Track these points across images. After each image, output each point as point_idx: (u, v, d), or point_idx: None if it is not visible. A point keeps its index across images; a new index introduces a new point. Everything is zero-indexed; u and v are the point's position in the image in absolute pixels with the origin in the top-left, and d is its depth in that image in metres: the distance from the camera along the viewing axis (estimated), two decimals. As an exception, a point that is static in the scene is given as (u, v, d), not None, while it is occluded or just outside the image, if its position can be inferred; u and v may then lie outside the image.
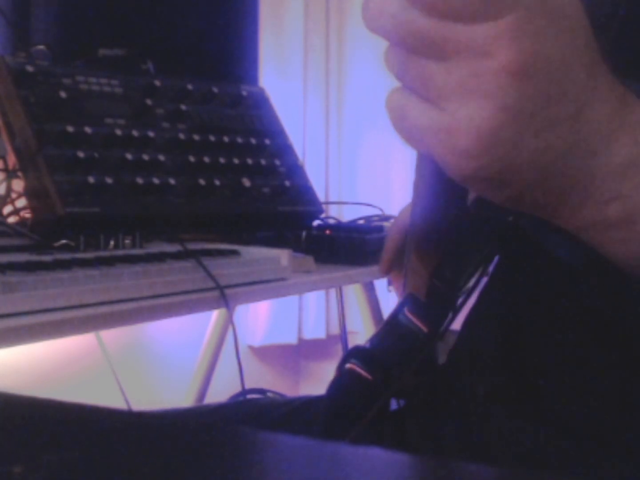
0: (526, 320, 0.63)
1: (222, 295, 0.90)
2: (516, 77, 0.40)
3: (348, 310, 1.79)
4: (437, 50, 0.41)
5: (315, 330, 2.20)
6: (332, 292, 2.04)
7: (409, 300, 0.69)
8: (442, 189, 0.61)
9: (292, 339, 2.18)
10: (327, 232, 1.20)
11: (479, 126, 0.40)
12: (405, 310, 0.68)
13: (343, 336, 1.71)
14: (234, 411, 0.86)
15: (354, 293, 1.65)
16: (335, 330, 2.10)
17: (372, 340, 0.70)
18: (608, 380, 0.57)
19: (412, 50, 0.42)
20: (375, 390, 0.67)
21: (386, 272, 0.88)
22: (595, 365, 0.58)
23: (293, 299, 2.15)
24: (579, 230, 0.45)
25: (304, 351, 2.32)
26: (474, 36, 0.40)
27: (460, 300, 0.68)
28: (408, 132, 0.43)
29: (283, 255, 1.02)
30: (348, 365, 0.68)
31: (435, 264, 0.68)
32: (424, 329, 0.67)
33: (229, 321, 1.44)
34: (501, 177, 0.42)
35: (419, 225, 0.69)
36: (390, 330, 0.69)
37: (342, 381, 0.69)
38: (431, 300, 0.68)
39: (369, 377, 0.67)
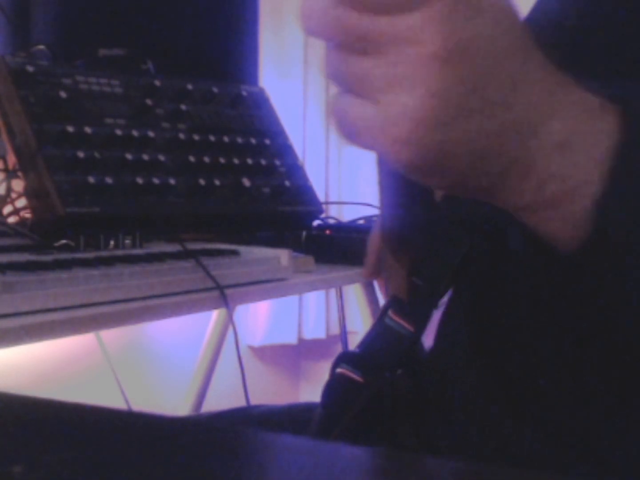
0: (501, 318, 0.63)
1: (222, 295, 0.90)
2: (443, 62, 0.41)
3: (348, 310, 1.79)
4: (367, 44, 0.42)
5: (315, 330, 2.20)
6: (332, 292, 2.04)
7: (392, 302, 0.69)
8: (402, 186, 0.61)
9: (292, 339, 2.18)
10: (327, 232, 1.20)
11: (413, 113, 0.41)
12: (390, 312, 0.68)
13: (343, 336, 1.71)
14: (232, 418, 0.86)
15: (354, 293, 1.65)
16: (335, 330, 2.10)
17: (360, 344, 0.70)
18: (607, 381, 0.57)
19: (344, 48, 0.43)
20: (369, 392, 0.67)
21: (369, 277, 0.88)
22: (593, 365, 0.58)
23: (293, 299, 2.15)
24: (519, 210, 0.46)
25: (304, 351, 2.32)
26: (400, 26, 0.41)
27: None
28: (349, 132, 0.44)
29: (283, 255, 1.02)
30: (339, 370, 0.68)
31: (411, 262, 0.68)
32: (410, 328, 0.67)
33: (229, 321, 1.43)
34: (440, 162, 0.43)
35: (388, 225, 0.69)
36: (377, 334, 0.69)
37: (334, 386, 0.69)
38: (413, 299, 0.68)
39: (361, 379, 0.67)
